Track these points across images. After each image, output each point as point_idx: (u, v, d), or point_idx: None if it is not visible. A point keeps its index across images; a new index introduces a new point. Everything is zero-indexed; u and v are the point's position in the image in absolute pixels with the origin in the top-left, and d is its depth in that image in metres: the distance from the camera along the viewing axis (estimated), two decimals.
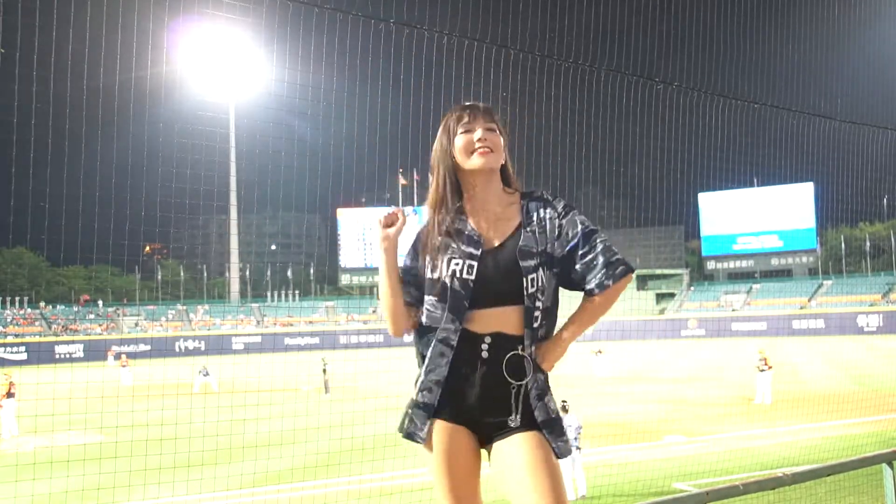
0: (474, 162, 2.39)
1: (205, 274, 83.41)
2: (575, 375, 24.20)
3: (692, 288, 71.64)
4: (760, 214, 69.16)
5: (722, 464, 11.79)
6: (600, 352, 30.93)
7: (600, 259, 2.34)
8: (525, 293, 2.30)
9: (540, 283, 2.32)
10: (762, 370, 20.52)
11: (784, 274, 70.06)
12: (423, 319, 2.40)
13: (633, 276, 2.41)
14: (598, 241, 2.36)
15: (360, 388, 24.86)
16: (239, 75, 53.06)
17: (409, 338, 2.50)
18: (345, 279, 75.60)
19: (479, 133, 2.40)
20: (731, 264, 72.68)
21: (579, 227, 2.37)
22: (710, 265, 74.21)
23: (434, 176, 2.48)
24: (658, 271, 76.35)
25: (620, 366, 31.74)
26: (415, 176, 77.82)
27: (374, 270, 74.71)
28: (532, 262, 2.32)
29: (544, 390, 2.37)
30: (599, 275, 2.33)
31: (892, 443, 12.60)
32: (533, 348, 2.34)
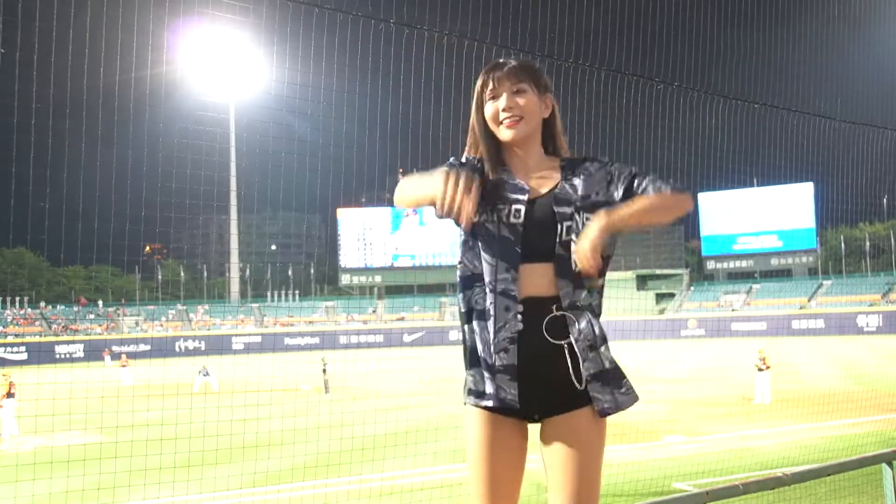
0: (503, 135, 2.28)
1: (205, 274, 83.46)
2: None
3: (692, 288, 71.65)
4: (760, 214, 69.14)
5: (722, 464, 11.79)
6: None
7: (659, 181, 2.24)
8: (559, 240, 2.18)
9: (578, 228, 2.19)
10: (761, 370, 20.53)
11: (784, 274, 70.06)
12: (472, 268, 2.24)
13: (690, 205, 2.28)
14: (651, 174, 2.28)
15: (360, 388, 24.86)
16: (239, 75, 53.07)
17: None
18: (345, 279, 75.57)
19: (503, 101, 2.26)
20: (731, 264, 72.66)
21: (631, 167, 2.29)
22: (710, 265, 74.20)
23: (473, 141, 2.36)
24: (658, 271, 76.37)
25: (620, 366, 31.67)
26: None
27: (374, 270, 74.85)
28: (568, 210, 2.21)
29: (594, 341, 2.21)
30: (657, 184, 2.22)
31: (892, 443, 12.60)
32: (578, 302, 2.20)
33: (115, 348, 45.57)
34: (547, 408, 2.21)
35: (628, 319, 55.63)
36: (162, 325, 61.85)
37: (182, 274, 77.84)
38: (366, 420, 14.57)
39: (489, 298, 2.19)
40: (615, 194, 2.23)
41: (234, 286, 76.65)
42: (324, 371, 25.09)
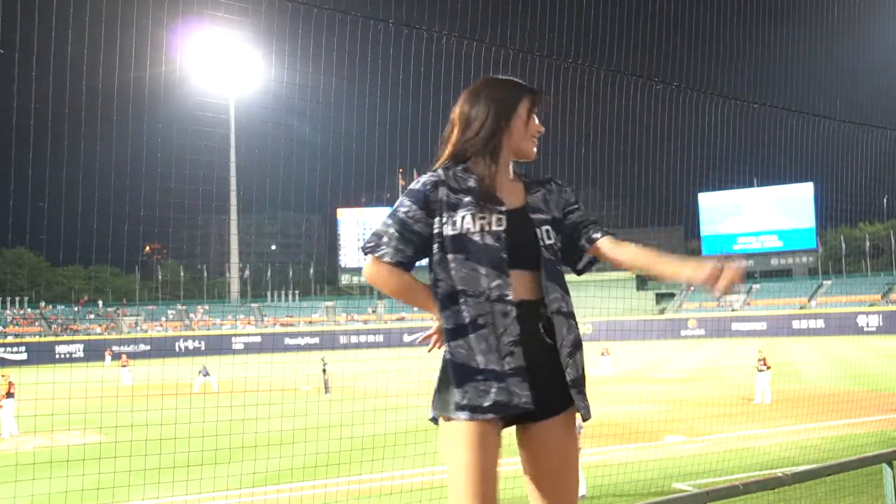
0: (532, 151, 2.38)
1: (205, 274, 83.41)
2: None
3: (692, 288, 71.64)
4: (760, 214, 69.18)
5: (722, 464, 11.79)
6: (608, 351, 30.92)
7: (589, 218, 2.44)
8: (542, 244, 2.27)
9: (553, 239, 2.31)
10: (761, 370, 20.54)
11: (784, 274, 70.08)
12: (454, 283, 2.23)
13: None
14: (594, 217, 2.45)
15: (360, 388, 24.86)
16: (239, 75, 53.08)
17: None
18: (345, 279, 75.58)
19: (536, 122, 2.36)
20: None
21: (581, 205, 2.44)
22: None
23: (477, 130, 2.31)
24: None
25: (620, 366, 31.74)
26: (415, 176, 77.78)
27: None
28: (542, 216, 2.32)
29: (577, 344, 2.28)
30: (598, 227, 2.43)
31: (892, 443, 12.61)
32: (564, 303, 2.27)
33: (115, 348, 45.59)
34: (545, 410, 2.22)
35: (628, 319, 55.66)
36: (162, 325, 61.86)
37: (182, 274, 77.82)
38: (366, 420, 14.57)
39: (484, 307, 2.19)
40: (563, 218, 2.38)
41: (234, 286, 76.66)
42: (324, 371, 25.09)
